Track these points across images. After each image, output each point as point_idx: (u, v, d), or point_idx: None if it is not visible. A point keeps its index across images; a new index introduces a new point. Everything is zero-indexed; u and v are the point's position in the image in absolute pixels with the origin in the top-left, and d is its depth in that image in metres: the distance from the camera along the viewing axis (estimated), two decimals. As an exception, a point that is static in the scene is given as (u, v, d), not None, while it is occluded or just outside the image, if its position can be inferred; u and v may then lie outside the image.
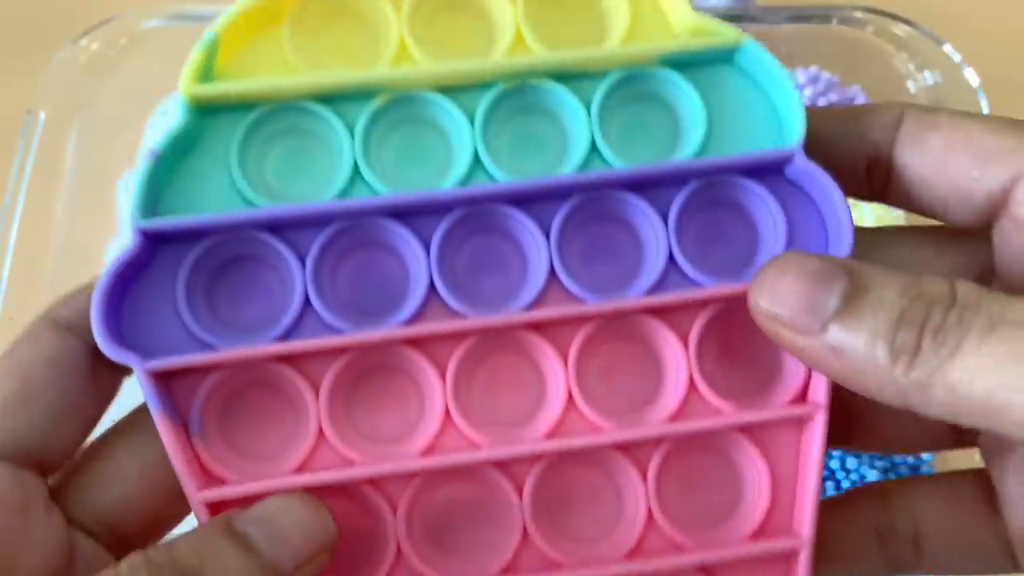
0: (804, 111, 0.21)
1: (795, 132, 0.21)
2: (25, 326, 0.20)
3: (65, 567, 0.18)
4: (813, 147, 0.21)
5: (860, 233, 0.21)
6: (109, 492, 0.20)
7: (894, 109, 0.20)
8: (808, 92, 0.47)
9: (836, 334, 0.16)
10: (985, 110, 0.46)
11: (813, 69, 0.49)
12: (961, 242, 0.21)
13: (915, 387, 0.15)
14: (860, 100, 0.49)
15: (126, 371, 0.20)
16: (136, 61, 0.49)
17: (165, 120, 0.50)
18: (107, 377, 0.20)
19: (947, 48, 0.48)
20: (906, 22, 0.49)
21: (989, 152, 0.19)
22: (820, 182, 0.21)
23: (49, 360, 0.19)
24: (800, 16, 0.50)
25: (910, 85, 0.49)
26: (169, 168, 0.21)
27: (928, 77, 0.48)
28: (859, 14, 0.49)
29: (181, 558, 0.16)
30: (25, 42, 0.54)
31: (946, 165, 0.19)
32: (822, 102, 0.47)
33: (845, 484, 0.40)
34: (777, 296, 0.17)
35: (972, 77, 0.47)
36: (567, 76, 0.21)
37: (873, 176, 0.21)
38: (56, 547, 0.18)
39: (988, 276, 0.21)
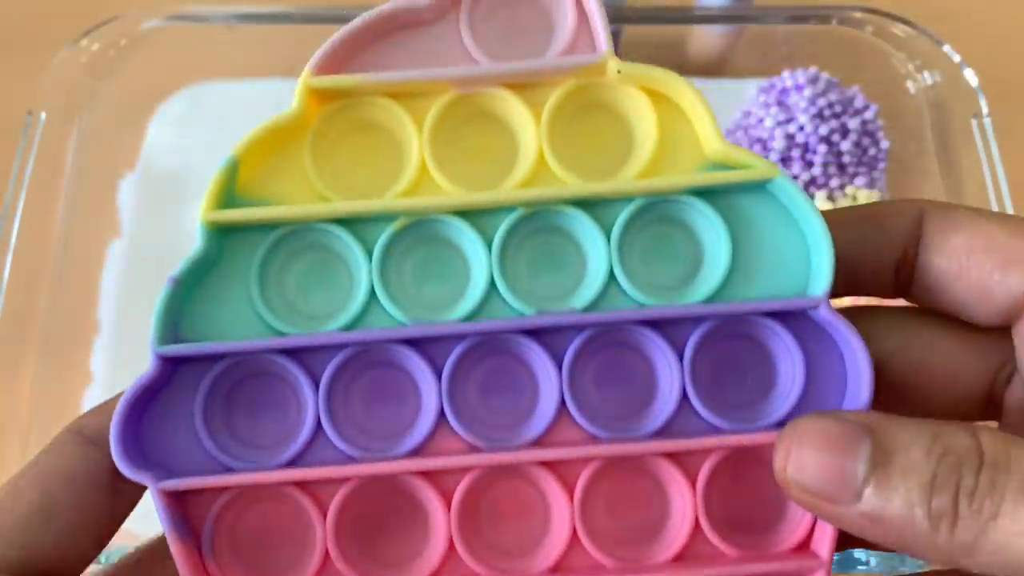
0: (833, 256, 0.20)
1: (823, 280, 0.20)
2: (52, 442, 0.20)
3: None
4: (838, 255, 0.20)
5: (883, 315, 0.21)
6: None
7: (913, 208, 0.20)
8: (808, 92, 0.47)
9: (871, 501, 0.16)
10: (984, 110, 0.46)
11: (813, 69, 0.49)
12: (983, 336, 0.21)
13: (960, 549, 0.16)
14: (860, 100, 0.49)
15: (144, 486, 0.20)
16: (136, 62, 0.49)
17: (165, 121, 0.50)
18: (127, 491, 0.20)
19: (947, 48, 0.48)
20: (906, 22, 0.49)
21: (1011, 255, 0.19)
22: (843, 332, 0.20)
23: (71, 475, 0.19)
24: (800, 16, 0.50)
25: (910, 85, 0.49)
26: (188, 291, 0.22)
27: (927, 77, 0.48)
28: (859, 14, 0.49)
29: None
30: (26, 43, 0.54)
31: (968, 268, 0.20)
32: (821, 102, 0.47)
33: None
34: (804, 466, 0.17)
35: (971, 77, 0.47)
36: (589, 202, 0.21)
37: (899, 276, 0.21)
38: None
39: (1010, 369, 0.21)
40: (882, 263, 0.21)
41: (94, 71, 0.48)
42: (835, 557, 0.37)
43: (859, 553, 0.37)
